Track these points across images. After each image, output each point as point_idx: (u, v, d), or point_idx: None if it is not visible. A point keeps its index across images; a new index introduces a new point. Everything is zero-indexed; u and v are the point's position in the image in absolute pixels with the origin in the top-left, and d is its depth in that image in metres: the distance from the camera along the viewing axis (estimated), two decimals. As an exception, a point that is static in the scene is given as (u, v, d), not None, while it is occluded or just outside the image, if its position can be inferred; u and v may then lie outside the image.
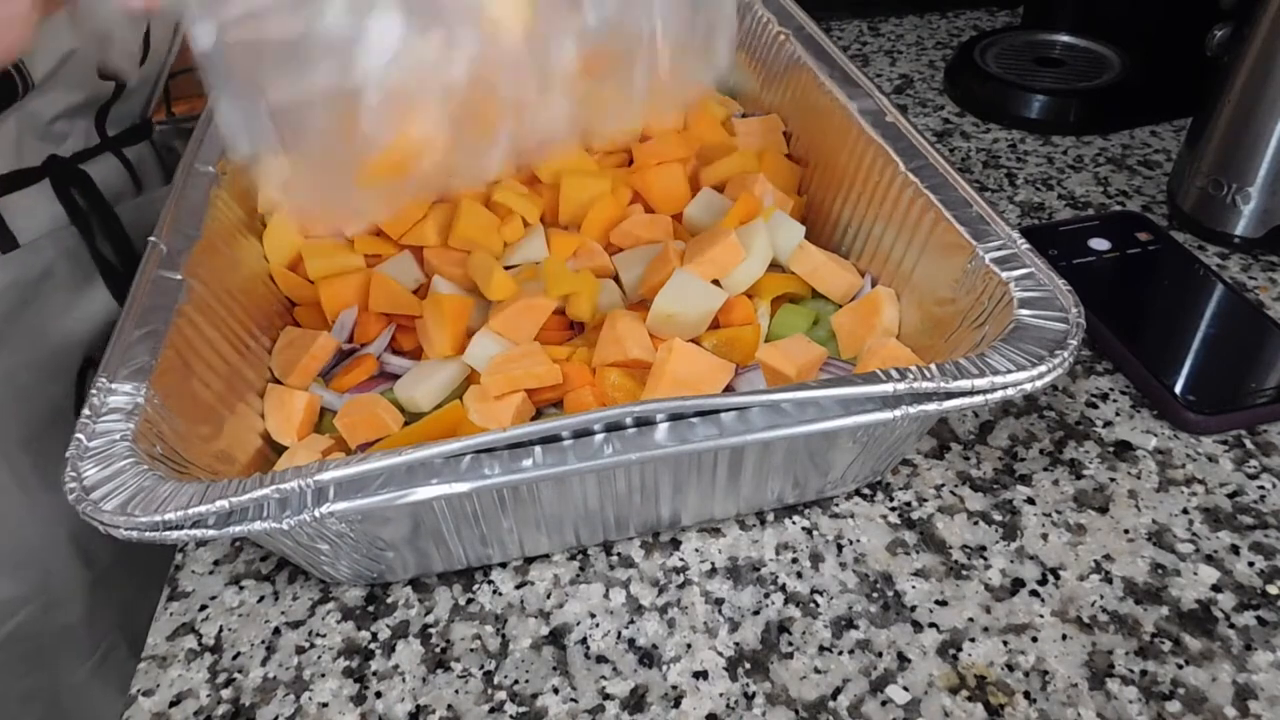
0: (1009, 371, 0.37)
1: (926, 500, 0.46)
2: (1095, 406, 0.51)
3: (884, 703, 0.38)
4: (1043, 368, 0.37)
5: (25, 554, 0.56)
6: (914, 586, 0.42)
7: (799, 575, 0.43)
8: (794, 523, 0.45)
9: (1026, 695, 0.38)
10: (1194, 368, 0.51)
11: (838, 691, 0.38)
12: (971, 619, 0.41)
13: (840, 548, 0.44)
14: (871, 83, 0.56)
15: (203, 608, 0.43)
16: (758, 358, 0.47)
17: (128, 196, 0.62)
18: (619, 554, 0.44)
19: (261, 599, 0.43)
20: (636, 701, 0.39)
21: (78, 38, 0.50)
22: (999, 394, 0.37)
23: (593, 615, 0.42)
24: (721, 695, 0.39)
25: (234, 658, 0.41)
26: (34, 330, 0.55)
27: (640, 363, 0.46)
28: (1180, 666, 0.39)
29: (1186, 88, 0.67)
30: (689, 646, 0.40)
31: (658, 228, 0.55)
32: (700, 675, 0.39)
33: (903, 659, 0.39)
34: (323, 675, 0.40)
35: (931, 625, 0.41)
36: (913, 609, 0.41)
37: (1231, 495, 0.46)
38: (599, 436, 0.37)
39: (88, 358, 0.58)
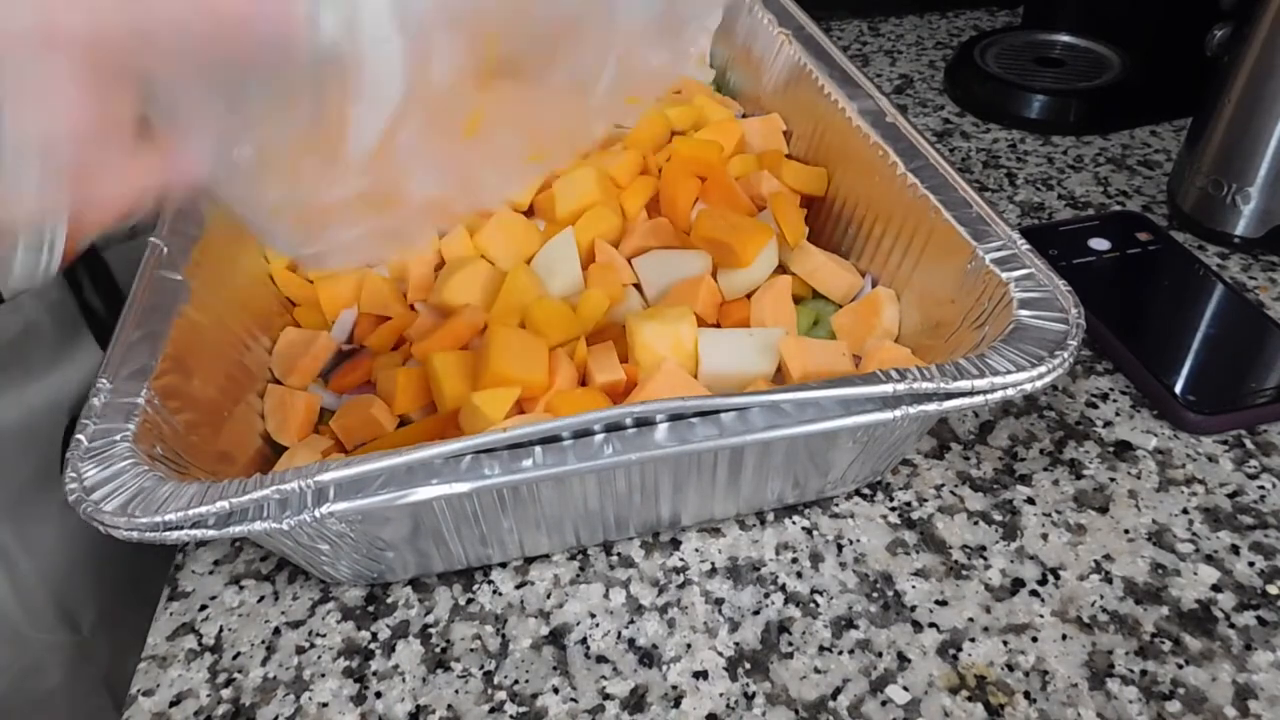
0: (1009, 372, 0.37)
1: (926, 500, 0.46)
2: (1095, 406, 0.51)
3: (884, 703, 0.38)
4: (1043, 368, 0.37)
5: (2, 624, 0.52)
6: (914, 586, 0.42)
7: (799, 575, 0.43)
8: (794, 523, 0.45)
9: (1026, 695, 0.38)
10: (1194, 368, 0.51)
11: (838, 691, 0.38)
12: (971, 619, 0.41)
13: (840, 548, 0.44)
14: (871, 83, 0.56)
15: (203, 608, 0.43)
16: (780, 347, 0.46)
17: (118, 239, 0.56)
18: (619, 554, 0.44)
19: (261, 599, 0.43)
20: (636, 701, 0.39)
21: None
22: (999, 394, 0.37)
23: (593, 615, 0.42)
24: (721, 695, 0.39)
25: (234, 658, 0.41)
26: (15, 392, 0.51)
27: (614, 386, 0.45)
28: (1180, 666, 0.39)
29: (1186, 88, 0.67)
30: (689, 646, 0.40)
31: (665, 235, 0.54)
32: (700, 675, 0.39)
33: (903, 659, 0.39)
34: (323, 675, 0.40)
35: (931, 625, 0.41)
36: (913, 609, 0.41)
37: (1231, 495, 0.46)
38: (599, 436, 0.37)
39: (74, 418, 0.52)
